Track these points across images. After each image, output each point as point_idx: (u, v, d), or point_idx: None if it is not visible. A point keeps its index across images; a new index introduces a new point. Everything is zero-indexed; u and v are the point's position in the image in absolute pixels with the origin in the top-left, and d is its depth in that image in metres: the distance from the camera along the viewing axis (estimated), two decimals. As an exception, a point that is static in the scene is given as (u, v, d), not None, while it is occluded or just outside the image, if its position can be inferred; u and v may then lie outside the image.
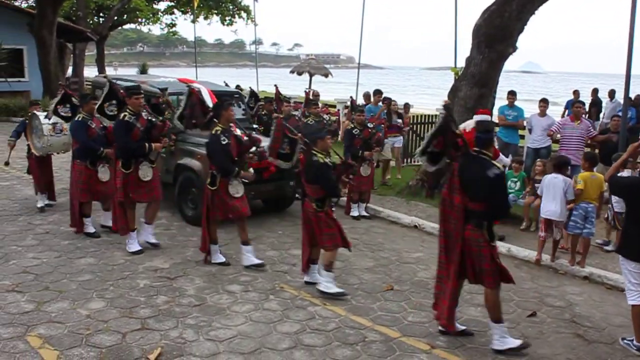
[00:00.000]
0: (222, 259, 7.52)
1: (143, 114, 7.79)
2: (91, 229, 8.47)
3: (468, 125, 9.08)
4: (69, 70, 27.80)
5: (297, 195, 10.32)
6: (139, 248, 7.81)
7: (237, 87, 14.13)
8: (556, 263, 7.92)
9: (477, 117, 9.05)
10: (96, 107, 8.18)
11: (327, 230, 6.60)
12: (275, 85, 13.31)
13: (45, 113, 9.36)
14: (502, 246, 8.51)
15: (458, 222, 5.46)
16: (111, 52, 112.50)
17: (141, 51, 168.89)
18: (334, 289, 6.63)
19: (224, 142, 7.18)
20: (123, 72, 33.06)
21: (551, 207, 7.86)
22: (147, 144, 7.67)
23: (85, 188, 8.32)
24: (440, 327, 5.80)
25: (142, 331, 5.62)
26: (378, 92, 13.40)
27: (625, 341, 5.73)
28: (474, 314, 6.35)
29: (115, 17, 32.70)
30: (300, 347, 5.45)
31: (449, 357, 5.39)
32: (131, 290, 6.57)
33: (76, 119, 8.38)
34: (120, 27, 40.87)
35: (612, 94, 17.00)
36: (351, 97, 14.85)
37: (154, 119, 7.89)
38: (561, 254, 8.02)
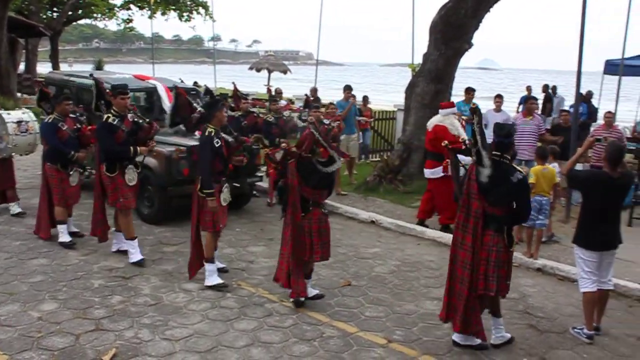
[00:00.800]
0: (219, 280, 6.71)
1: (129, 115, 7.42)
2: (66, 238, 7.89)
3: (431, 123, 9.24)
4: (21, 66, 27.11)
5: (254, 193, 10.30)
6: (142, 257, 7.35)
7: (195, 83, 14.01)
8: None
9: (442, 112, 9.21)
10: (93, 106, 7.96)
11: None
12: (234, 83, 13.24)
13: (7, 111, 9.05)
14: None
15: (477, 228, 5.28)
16: (66, 47, 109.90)
17: (97, 47, 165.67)
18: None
19: (217, 145, 6.60)
20: (78, 68, 32.38)
21: None
22: (132, 148, 7.30)
23: (57, 192, 7.91)
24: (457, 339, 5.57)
25: (96, 332, 5.52)
26: (348, 88, 13.41)
27: (575, 330, 5.88)
28: (430, 308, 6.42)
29: (70, 12, 32.04)
30: (258, 344, 5.43)
31: (406, 350, 5.44)
32: (85, 291, 6.45)
33: (47, 120, 7.97)
34: (75, 22, 40.12)
35: (554, 89, 17.42)
36: (306, 94, 14.91)
37: (140, 121, 7.54)
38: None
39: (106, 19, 36.54)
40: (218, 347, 5.34)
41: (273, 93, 13.67)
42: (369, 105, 15.19)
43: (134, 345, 5.30)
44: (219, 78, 23.15)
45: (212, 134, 6.55)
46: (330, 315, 6.10)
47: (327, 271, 7.37)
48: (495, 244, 5.26)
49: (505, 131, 5.32)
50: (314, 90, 16.05)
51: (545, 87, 17.93)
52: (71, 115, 8.00)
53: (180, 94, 8.70)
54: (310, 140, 6.01)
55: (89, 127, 8.06)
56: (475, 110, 5.49)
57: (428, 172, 9.13)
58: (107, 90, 7.84)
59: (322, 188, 6.21)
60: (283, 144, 6.78)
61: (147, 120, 7.73)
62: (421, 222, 9.35)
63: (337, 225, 9.45)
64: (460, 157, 8.55)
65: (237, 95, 12.27)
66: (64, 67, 38.57)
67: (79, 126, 8.04)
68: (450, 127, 8.74)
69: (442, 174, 8.84)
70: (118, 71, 12.85)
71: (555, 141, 10.39)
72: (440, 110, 9.36)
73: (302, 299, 6.21)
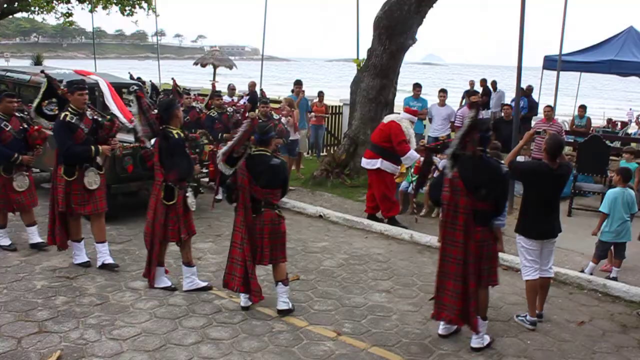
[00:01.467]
0: (168, 283, 6.58)
1: (87, 113, 6.93)
2: (6, 241, 7.59)
3: (388, 118, 9.34)
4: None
5: (200, 189, 10.20)
6: (87, 259, 7.07)
7: (138, 79, 13.75)
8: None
9: (404, 114, 9.35)
10: (33, 106, 7.25)
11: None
12: (173, 79, 13.05)
13: None
14: (404, 233, 8.77)
15: (468, 225, 5.27)
16: (2, 42, 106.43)
17: (36, 42, 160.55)
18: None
19: (186, 147, 6.43)
20: (15, 64, 31.34)
21: None
22: (93, 147, 6.81)
23: (0, 198, 7.41)
24: (442, 329, 5.66)
25: (40, 334, 5.37)
26: (298, 83, 13.42)
27: (519, 317, 6.05)
28: (378, 300, 6.50)
29: (5, 5, 30.89)
30: (207, 341, 5.39)
31: (355, 342, 5.49)
32: (27, 293, 6.26)
33: None
34: (11, 16, 38.73)
35: (494, 84, 17.84)
36: (261, 89, 14.81)
37: (100, 119, 7.09)
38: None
39: (44, 12, 35.41)
40: (167, 345, 5.28)
41: (238, 92, 13.66)
42: (325, 102, 15.08)
43: (79, 346, 5.19)
44: (163, 74, 22.80)
45: (180, 135, 6.34)
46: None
47: (276, 266, 7.36)
48: (486, 239, 5.36)
49: (485, 126, 5.52)
50: (253, 85, 15.95)
51: (484, 82, 18.34)
52: (16, 114, 7.45)
53: (140, 97, 8.01)
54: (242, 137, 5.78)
55: (36, 128, 7.45)
56: (474, 105, 5.54)
57: (365, 162, 9.26)
58: (61, 87, 7.26)
59: (273, 187, 5.95)
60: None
61: (108, 117, 7.35)
62: (371, 217, 9.44)
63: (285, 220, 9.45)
64: (411, 153, 8.79)
65: (177, 91, 12.10)
66: (0, 62, 37.26)
67: (26, 126, 7.47)
68: (405, 128, 8.91)
69: (377, 167, 8.99)
70: (58, 66, 12.51)
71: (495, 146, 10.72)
72: (402, 112, 9.52)
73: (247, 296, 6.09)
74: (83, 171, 6.82)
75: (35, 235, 7.63)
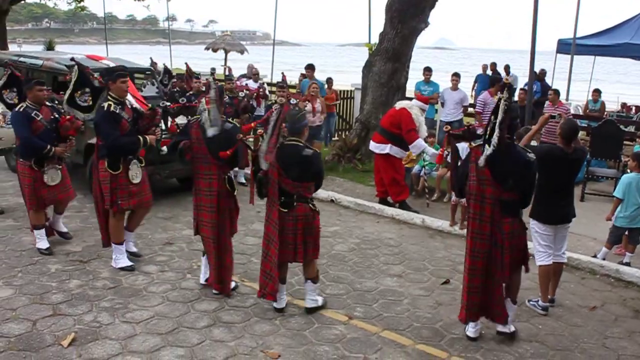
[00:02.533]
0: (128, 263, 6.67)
1: (127, 102, 6.58)
2: (44, 244, 7.04)
3: (399, 104, 9.31)
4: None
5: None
6: (130, 264, 6.67)
7: (151, 59, 13.84)
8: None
9: (415, 102, 9.31)
10: (65, 97, 6.85)
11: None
12: (186, 63, 13.04)
13: None
14: (416, 217, 8.76)
15: (495, 216, 5.06)
16: (14, 28, 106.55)
17: (48, 27, 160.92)
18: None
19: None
20: (28, 49, 31.45)
21: None
22: (141, 138, 6.48)
23: (29, 192, 6.95)
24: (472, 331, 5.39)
25: (54, 317, 5.43)
26: (310, 67, 13.30)
27: (531, 302, 6.04)
28: (390, 284, 6.51)
29: (17, -10, 30.93)
30: (219, 324, 5.43)
31: (366, 326, 5.51)
32: (42, 276, 6.33)
33: (17, 109, 6.85)
34: (23, 1, 38.82)
35: (507, 69, 17.72)
36: (282, 73, 14.66)
37: (139, 108, 6.81)
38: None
39: (56, -3, 35.42)
40: (179, 328, 5.33)
41: (245, 75, 13.51)
42: (334, 88, 14.72)
43: (93, 329, 5.24)
44: (174, 59, 22.82)
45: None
46: (291, 294, 6.12)
47: (287, 251, 7.38)
48: (515, 229, 5.15)
49: (515, 112, 5.32)
50: (251, 68, 15.69)
51: (494, 65, 18.23)
52: (47, 103, 7.08)
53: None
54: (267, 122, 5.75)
55: (68, 117, 6.99)
56: (508, 87, 5.09)
57: (373, 145, 9.23)
58: (96, 76, 6.90)
59: (305, 180, 5.54)
60: (259, 131, 5.95)
61: (150, 106, 7.06)
62: (382, 201, 9.44)
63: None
64: (419, 142, 8.73)
65: (190, 75, 12.10)
66: (13, 47, 37.36)
67: (57, 116, 7.02)
68: (415, 117, 8.88)
69: (386, 152, 8.98)
70: (70, 52, 12.54)
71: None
72: (414, 99, 9.48)
73: (273, 303, 5.73)
74: (127, 164, 6.49)
75: (60, 224, 7.46)
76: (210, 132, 5.68)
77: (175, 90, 11.24)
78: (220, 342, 5.13)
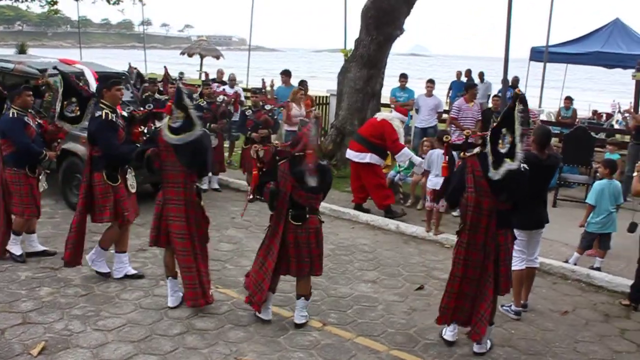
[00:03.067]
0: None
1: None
2: (18, 250, 6.86)
3: (380, 115, 9.36)
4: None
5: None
6: (135, 272, 6.56)
7: (130, 67, 13.73)
8: (442, 237, 8.27)
9: (395, 114, 9.36)
10: (57, 111, 6.53)
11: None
12: (165, 67, 12.95)
13: None
14: (391, 223, 8.79)
15: (489, 229, 5.02)
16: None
17: (20, 30, 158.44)
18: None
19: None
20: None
21: (436, 178, 8.21)
22: (139, 146, 6.16)
23: (29, 202, 6.71)
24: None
25: (24, 325, 5.34)
26: (286, 73, 13.25)
27: (504, 308, 6.09)
28: (364, 290, 6.53)
29: (-12, -7, 30.47)
30: (193, 331, 5.39)
31: (341, 333, 5.51)
32: (11, 284, 6.21)
33: (8, 115, 6.59)
34: (-6, 4, 38.24)
35: (481, 76, 17.96)
36: (262, 79, 14.61)
37: (125, 115, 6.66)
38: (446, 229, 8.39)
39: (28, 0, 34.96)
40: (152, 335, 5.27)
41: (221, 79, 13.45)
42: (309, 93, 14.75)
43: (64, 337, 5.17)
44: (149, 63, 22.67)
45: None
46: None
47: (262, 257, 7.36)
48: (509, 241, 5.16)
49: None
50: (220, 72, 15.62)
51: (469, 72, 18.44)
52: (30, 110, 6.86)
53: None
54: (307, 140, 5.31)
55: (51, 123, 6.83)
56: (521, 98, 4.96)
57: (352, 154, 9.20)
58: (80, 85, 6.70)
59: (318, 192, 5.48)
60: (276, 142, 5.75)
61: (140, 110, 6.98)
62: (358, 207, 9.45)
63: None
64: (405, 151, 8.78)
65: (167, 79, 12.01)
66: (-16, 51, 36.76)
67: (39, 122, 6.92)
68: (396, 127, 8.98)
69: (366, 160, 9.01)
70: (43, 55, 12.38)
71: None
72: (393, 112, 9.52)
73: (255, 312, 5.65)
74: (124, 174, 6.39)
75: (35, 243, 7.10)
76: (172, 140, 5.46)
77: (148, 94, 11.16)
78: (194, 349, 5.09)
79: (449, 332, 5.39)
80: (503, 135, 4.83)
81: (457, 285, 5.18)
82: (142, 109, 9.08)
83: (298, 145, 5.32)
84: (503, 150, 4.83)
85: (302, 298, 5.62)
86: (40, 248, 7.09)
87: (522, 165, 4.93)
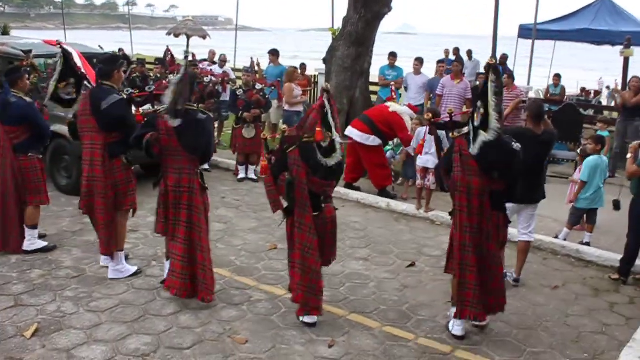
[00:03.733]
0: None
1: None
2: (41, 243, 6.62)
3: (393, 106, 9.33)
4: None
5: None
6: (136, 268, 6.19)
7: (120, 50, 13.48)
8: (433, 215, 8.30)
9: (407, 109, 9.34)
10: (50, 90, 6.33)
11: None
12: (167, 46, 12.75)
13: None
14: (381, 201, 8.81)
15: (483, 209, 4.87)
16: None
17: (2, 12, 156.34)
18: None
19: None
20: (-18, 35, 30.61)
21: (426, 156, 8.21)
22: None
23: (44, 188, 6.59)
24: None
25: (16, 308, 5.31)
26: (273, 52, 13.13)
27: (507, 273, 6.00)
28: (356, 268, 6.55)
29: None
30: (186, 311, 5.38)
31: (334, 310, 5.53)
32: (1, 267, 6.17)
33: (21, 100, 6.28)
34: (-25, -14, 37.63)
35: (469, 53, 17.95)
36: (251, 58, 14.49)
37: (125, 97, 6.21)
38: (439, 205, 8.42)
39: (11, -19, 34.36)
40: (145, 315, 5.27)
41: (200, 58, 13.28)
42: (307, 73, 14.54)
43: (57, 319, 5.15)
44: (135, 44, 22.43)
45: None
46: (257, 279, 6.12)
47: (253, 236, 7.38)
48: (504, 223, 5.05)
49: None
50: (212, 53, 15.40)
51: (457, 50, 18.42)
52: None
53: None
54: (318, 116, 4.87)
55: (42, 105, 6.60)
56: (493, 68, 4.69)
57: (356, 133, 9.02)
58: (79, 65, 6.46)
59: (332, 178, 5.16)
60: (283, 127, 5.37)
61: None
62: (348, 185, 9.45)
63: (261, 190, 9.30)
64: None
65: (173, 60, 11.84)
66: (-34, 33, 36.20)
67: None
68: (406, 122, 8.97)
69: (369, 143, 8.96)
70: (27, 37, 12.21)
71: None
72: (405, 107, 9.51)
73: (315, 318, 5.22)
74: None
75: (35, 239, 6.66)
76: (174, 123, 5.16)
77: (136, 75, 11.05)
78: (187, 328, 5.09)
79: (457, 327, 5.16)
80: (478, 108, 4.73)
81: (458, 274, 5.02)
82: (137, 91, 8.94)
83: (304, 126, 4.95)
84: (476, 123, 4.71)
85: None
86: (42, 244, 6.66)
87: (514, 143, 4.86)
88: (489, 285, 5.02)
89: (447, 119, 5.63)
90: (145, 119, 6.06)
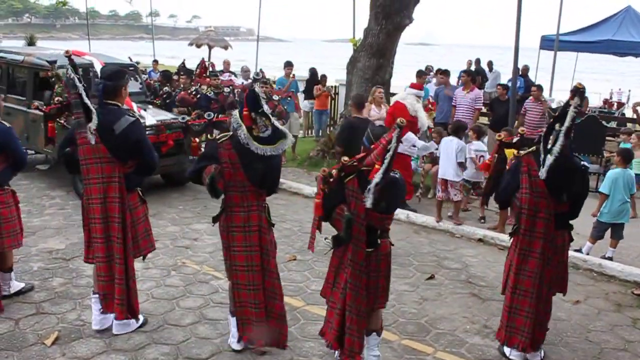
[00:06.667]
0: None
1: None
2: (20, 284, 5.86)
3: (393, 98, 9.23)
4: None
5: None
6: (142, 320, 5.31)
7: (155, 62, 13.72)
8: (452, 227, 8.25)
9: (408, 90, 9.25)
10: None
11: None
12: (203, 58, 12.96)
13: None
14: (401, 213, 8.77)
15: (547, 232, 4.69)
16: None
17: (29, 22, 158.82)
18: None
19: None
20: (8, 44, 31.11)
21: (447, 168, 8.18)
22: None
23: (19, 227, 5.63)
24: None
25: (37, 316, 5.38)
26: (288, 64, 13.26)
27: None
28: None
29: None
30: (204, 321, 5.40)
31: (352, 322, 5.50)
32: (24, 274, 6.25)
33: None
34: (3, -3, 38.28)
35: (490, 64, 17.88)
36: (261, 69, 14.63)
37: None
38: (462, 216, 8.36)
39: (37, -8, 34.95)
40: (164, 325, 5.29)
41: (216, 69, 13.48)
42: (328, 84, 14.50)
43: (77, 327, 5.20)
44: (158, 55, 22.65)
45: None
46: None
47: (272, 247, 7.37)
48: (567, 242, 4.98)
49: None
50: (227, 63, 15.60)
51: (478, 61, 18.39)
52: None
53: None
54: (382, 152, 4.08)
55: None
56: (580, 93, 4.53)
57: None
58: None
59: (392, 211, 4.56)
60: (344, 159, 4.23)
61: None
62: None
63: (281, 201, 9.44)
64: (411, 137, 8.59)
65: (205, 70, 11.97)
66: (-7, 43, 36.89)
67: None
68: (409, 107, 8.79)
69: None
70: (52, 47, 12.41)
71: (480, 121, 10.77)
72: (406, 89, 9.42)
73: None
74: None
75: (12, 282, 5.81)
76: (266, 150, 4.49)
77: (158, 83, 11.19)
78: (206, 339, 5.10)
79: (514, 354, 4.95)
80: (556, 132, 4.52)
81: (509, 298, 4.87)
82: (188, 118, 8.62)
83: (367, 158, 4.20)
84: (549, 145, 4.54)
85: (374, 334, 4.62)
86: (20, 285, 5.85)
87: (581, 162, 4.74)
88: (540, 316, 4.86)
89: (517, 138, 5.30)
90: (203, 151, 5.45)
